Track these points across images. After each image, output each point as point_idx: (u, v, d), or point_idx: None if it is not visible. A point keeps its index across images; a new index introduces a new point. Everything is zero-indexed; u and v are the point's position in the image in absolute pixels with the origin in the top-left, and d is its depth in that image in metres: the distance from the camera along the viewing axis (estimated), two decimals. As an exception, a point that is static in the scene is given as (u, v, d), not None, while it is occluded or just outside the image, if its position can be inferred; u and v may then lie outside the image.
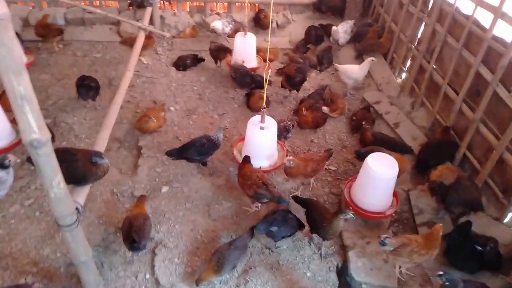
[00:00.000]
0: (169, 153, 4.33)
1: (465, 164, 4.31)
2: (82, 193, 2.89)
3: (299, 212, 3.83)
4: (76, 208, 2.68)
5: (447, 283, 2.81)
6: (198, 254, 3.66)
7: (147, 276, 3.51)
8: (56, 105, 5.33)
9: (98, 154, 2.94)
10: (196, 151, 4.26)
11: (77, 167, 2.85)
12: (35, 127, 2.05)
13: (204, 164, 4.45)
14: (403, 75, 5.92)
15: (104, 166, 2.97)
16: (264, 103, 4.09)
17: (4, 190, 3.52)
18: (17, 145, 4.16)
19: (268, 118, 4.22)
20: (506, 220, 3.75)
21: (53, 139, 4.29)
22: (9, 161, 3.41)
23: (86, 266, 2.99)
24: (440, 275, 2.83)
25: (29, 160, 3.03)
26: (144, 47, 5.86)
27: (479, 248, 3.32)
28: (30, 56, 6.07)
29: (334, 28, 6.76)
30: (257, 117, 4.22)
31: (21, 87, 1.88)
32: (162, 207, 4.08)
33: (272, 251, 3.75)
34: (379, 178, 3.61)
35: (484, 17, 4.17)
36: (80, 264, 2.97)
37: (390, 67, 6.20)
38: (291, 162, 3.86)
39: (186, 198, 4.22)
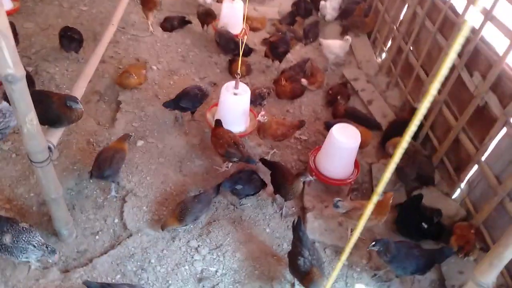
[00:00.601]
0: (166, 105, 4.50)
1: (426, 143, 4.57)
2: (56, 134, 3.03)
3: (266, 175, 4.06)
4: (49, 148, 2.83)
5: (381, 249, 3.12)
6: (166, 205, 3.88)
7: (116, 220, 3.73)
8: (39, 54, 5.35)
9: (72, 98, 3.07)
10: (190, 100, 4.47)
11: (52, 108, 2.98)
12: (10, 63, 2.17)
13: (193, 112, 4.69)
14: (383, 55, 6.08)
15: (78, 111, 3.10)
16: (239, 69, 4.23)
17: (14, 121, 3.66)
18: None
19: (242, 85, 4.36)
20: (454, 195, 4.05)
21: (33, 85, 4.40)
22: None
23: (57, 203, 3.17)
24: (373, 245, 3.16)
25: (6, 98, 3.16)
26: (150, 9, 5.87)
27: (425, 226, 3.61)
28: (16, 2, 6.02)
29: (322, 3, 6.83)
30: (232, 83, 4.36)
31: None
32: (136, 159, 4.25)
33: (236, 207, 3.99)
34: (342, 147, 3.83)
35: (459, 3, 4.32)
36: (51, 201, 3.15)
37: (372, 46, 6.35)
38: (265, 117, 4.06)
39: (160, 153, 4.40)
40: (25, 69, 2.34)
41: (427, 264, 3.24)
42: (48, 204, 3.24)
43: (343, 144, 3.82)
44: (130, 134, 4.15)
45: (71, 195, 3.83)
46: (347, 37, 5.70)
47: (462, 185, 3.93)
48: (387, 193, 3.55)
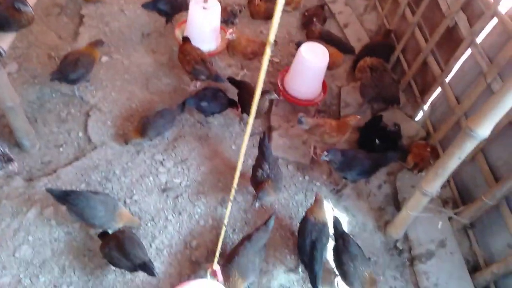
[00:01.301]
0: (145, 6, 4.36)
1: (397, 66, 4.57)
2: (6, 39, 2.87)
3: (234, 96, 4.02)
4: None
5: (332, 157, 3.28)
6: (131, 121, 3.86)
7: (80, 134, 3.71)
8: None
9: (21, 0, 2.86)
10: (169, 3, 4.35)
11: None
12: None
13: (168, 20, 4.57)
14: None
15: (28, 14, 2.90)
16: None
17: None
18: None
19: (211, 1, 4.14)
20: (417, 118, 4.15)
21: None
22: None
23: (14, 112, 3.11)
24: (326, 155, 3.29)
25: None
26: None
27: (378, 142, 3.73)
28: None
29: None
30: (202, -2, 4.14)
31: None
32: (100, 75, 4.14)
33: (203, 125, 4.01)
34: (309, 65, 3.79)
35: None
36: (8, 110, 3.08)
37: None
38: (233, 35, 3.94)
39: (126, 70, 4.28)
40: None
41: (372, 167, 3.39)
42: (5, 113, 3.18)
43: (310, 62, 3.77)
44: (103, 40, 3.96)
45: (32, 108, 3.76)
46: None
47: (425, 107, 4.01)
48: (349, 115, 3.62)
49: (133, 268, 2.72)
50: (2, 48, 2.81)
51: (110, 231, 2.95)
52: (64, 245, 3.05)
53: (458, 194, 3.50)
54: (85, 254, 3.03)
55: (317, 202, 3.13)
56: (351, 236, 3.42)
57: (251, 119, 1.57)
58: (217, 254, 2.02)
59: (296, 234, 3.22)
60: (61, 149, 3.58)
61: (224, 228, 1.90)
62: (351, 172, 3.34)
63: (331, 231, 3.16)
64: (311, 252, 2.92)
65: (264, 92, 3.64)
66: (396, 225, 3.34)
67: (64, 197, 2.90)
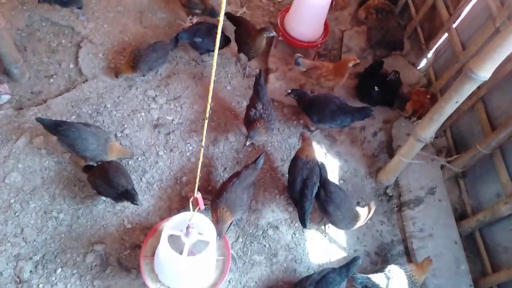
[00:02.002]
0: None
1: (405, 11, 4.34)
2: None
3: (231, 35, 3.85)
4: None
5: (295, 97, 3.31)
6: (124, 54, 3.73)
7: (71, 65, 3.61)
8: None
9: None
10: None
11: None
12: None
13: None
14: None
15: None
16: None
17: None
18: None
19: None
20: (420, 66, 4.01)
21: None
22: None
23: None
24: (289, 93, 3.29)
25: None
26: None
27: (377, 89, 3.62)
28: None
29: None
30: None
31: None
32: (92, 5, 3.95)
33: (198, 63, 3.88)
34: (310, 2, 3.59)
35: None
36: (-8, 33, 2.96)
37: None
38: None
39: (119, 1, 4.08)
40: None
41: (344, 118, 3.31)
42: (-10, 38, 3.07)
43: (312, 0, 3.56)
44: None
45: (21, 36, 3.63)
46: None
47: (429, 54, 3.86)
48: (348, 56, 3.48)
49: (118, 197, 2.74)
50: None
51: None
52: (54, 174, 3.06)
53: (453, 144, 3.45)
54: (76, 184, 3.05)
55: (306, 140, 3.11)
56: (342, 181, 3.45)
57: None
58: (197, 180, 2.02)
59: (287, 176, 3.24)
60: (51, 80, 3.50)
61: (201, 150, 1.87)
62: (314, 116, 3.28)
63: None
64: (302, 190, 2.93)
65: (262, 29, 3.48)
66: (387, 171, 3.33)
67: (55, 127, 2.86)
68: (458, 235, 3.08)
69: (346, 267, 2.67)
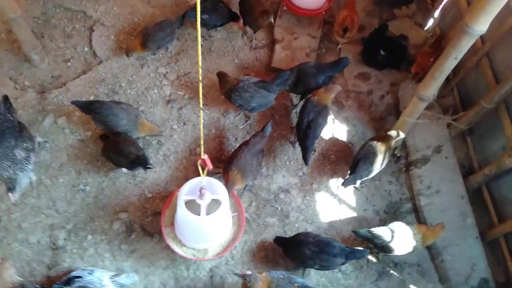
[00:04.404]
0: None
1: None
2: None
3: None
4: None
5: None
6: (134, 35, 3.87)
7: (86, 48, 3.80)
8: None
9: None
10: None
11: None
12: None
13: None
14: None
15: None
16: None
17: None
18: None
19: None
20: (427, 26, 3.98)
21: None
22: None
23: (17, 24, 3.20)
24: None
25: None
26: None
27: (383, 53, 3.66)
28: None
29: None
30: None
31: None
32: (101, -12, 4.09)
33: (206, 39, 3.99)
34: (312, -30, 3.61)
35: None
36: (12, 22, 3.17)
37: None
38: None
39: (127, -17, 4.19)
40: None
41: (325, 76, 3.41)
42: (11, 27, 3.27)
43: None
44: None
45: (38, 24, 3.82)
46: None
47: (436, 13, 3.82)
48: None
49: (131, 165, 2.99)
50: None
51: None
52: (78, 151, 3.31)
53: (460, 102, 3.47)
54: (98, 159, 3.29)
55: (329, 88, 3.30)
56: (351, 144, 3.56)
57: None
58: (201, 142, 2.21)
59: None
60: (68, 64, 3.71)
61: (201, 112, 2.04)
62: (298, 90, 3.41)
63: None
64: (306, 130, 3.16)
65: (262, 12, 3.55)
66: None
67: (89, 107, 3.12)
68: (464, 190, 3.16)
69: None
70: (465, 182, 3.20)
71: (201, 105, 1.92)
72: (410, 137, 3.40)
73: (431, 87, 2.82)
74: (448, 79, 3.21)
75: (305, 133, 3.19)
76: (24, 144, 2.78)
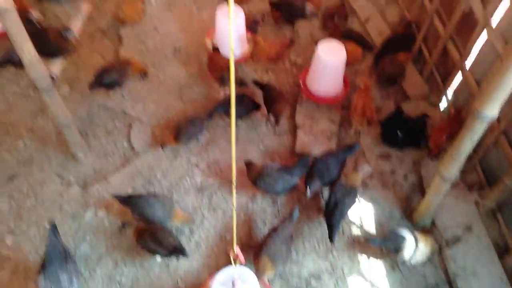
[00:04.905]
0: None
1: (420, 56, 4.59)
2: (57, 65, 3.37)
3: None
4: (51, 77, 3.18)
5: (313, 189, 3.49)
6: (169, 129, 4.24)
7: (125, 144, 4.17)
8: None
9: (67, 28, 3.35)
10: None
11: (50, 40, 3.29)
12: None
13: None
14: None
15: (72, 41, 3.39)
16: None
17: None
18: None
19: (235, 8, 4.45)
20: (442, 108, 4.17)
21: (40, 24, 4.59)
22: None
23: (68, 128, 3.61)
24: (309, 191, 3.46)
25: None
26: None
27: (400, 134, 3.86)
28: None
29: None
30: (226, 6, 4.46)
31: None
32: (139, 89, 4.59)
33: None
34: (326, 63, 3.97)
35: None
36: (63, 127, 3.59)
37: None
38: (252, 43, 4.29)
39: (161, 83, 4.70)
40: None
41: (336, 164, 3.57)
42: (62, 129, 3.69)
43: (327, 60, 3.95)
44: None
45: (83, 124, 4.27)
46: None
47: (448, 94, 4.03)
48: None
49: (168, 254, 3.14)
50: (54, 73, 3.30)
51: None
52: (116, 241, 3.49)
53: (484, 179, 3.49)
54: (133, 249, 3.44)
55: (358, 169, 3.55)
56: (379, 225, 3.58)
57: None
58: (234, 235, 2.33)
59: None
60: (109, 158, 4.05)
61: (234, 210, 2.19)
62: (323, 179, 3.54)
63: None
64: (333, 209, 3.28)
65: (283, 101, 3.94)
66: (421, 212, 3.42)
67: (128, 200, 3.40)
68: (503, 271, 3.05)
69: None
70: (501, 262, 3.11)
71: (234, 206, 2.07)
72: (439, 216, 3.40)
73: (452, 167, 2.90)
74: (469, 156, 3.28)
75: (332, 212, 3.31)
76: (68, 268, 2.97)
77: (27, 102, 4.43)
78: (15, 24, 2.63)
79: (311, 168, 3.54)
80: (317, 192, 3.65)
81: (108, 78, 4.02)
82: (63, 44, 3.35)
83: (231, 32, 1.49)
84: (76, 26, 3.82)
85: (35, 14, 4.07)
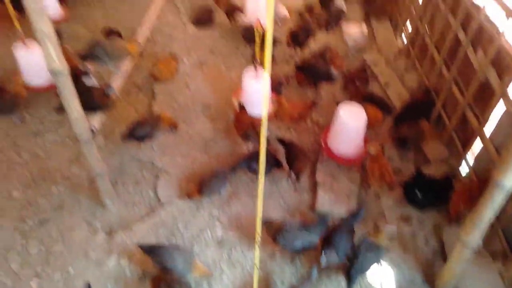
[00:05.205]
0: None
1: (439, 121, 4.72)
2: (97, 119, 3.67)
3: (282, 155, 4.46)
4: (92, 130, 3.46)
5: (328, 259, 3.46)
6: (193, 181, 4.41)
7: (151, 194, 4.35)
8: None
9: (108, 86, 3.69)
10: None
11: (93, 98, 3.62)
12: (55, 58, 2.78)
13: None
14: (403, 39, 6.18)
15: (112, 97, 3.71)
16: (258, 57, 4.65)
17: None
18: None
19: (261, 71, 4.78)
20: (462, 171, 4.21)
21: (87, 73, 4.98)
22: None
23: (101, 177, 3.83)
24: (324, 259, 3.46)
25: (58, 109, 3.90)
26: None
27: (420, 195, 3.93)
28: (66, 9, 6.86)
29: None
30: (253, 69, 4.80)
31: (44, 26, 2.58)
32: (168, 143, 4.85)
33: (254, 183, 4.45)
34: (347, 125, 4.14)
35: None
36: (97, 176, 3.81)
37: (394, 31, 6.46)
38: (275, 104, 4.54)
39: (189, 137, 4.96)
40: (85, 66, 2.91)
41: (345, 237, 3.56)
42: (95, 178, 3.92)
43: (348, 122, 4.13)
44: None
45: (114, 173, 4.51)
46: (365, 29, 5.89)
47: (469, 159, 4.08)
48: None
49: None
50: (94, 126, 3.59)
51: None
52: (136, 290, 3.55)
53: (508, 247, 3.43)
54: (152, 299, 3.48)
55: (382, 229, 3.56)
56: (399, 289, 3.52)
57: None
58: None
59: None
60: (135, 207, 4.22)
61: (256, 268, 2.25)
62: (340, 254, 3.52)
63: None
64: (352, 260, 3.31)
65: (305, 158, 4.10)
66: (443, 279, 3.35)
67: (151, 251, 3.51)
68: None
69: None
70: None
71: (257, 265, 2.15)
72: (462, 284, 3.32)
73: (474, 234, 2.90)
74: (492, 224, 3.27)
75: (351, 263, 3.35)
76: None
77: (64, 150, 4.74)
78: (66, 84, 2.95)
79: (328, 238, 3.55)
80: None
81: (141, 131, 4.31)
82: (105, 101, 3.69)
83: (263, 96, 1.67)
84: (116, 83, 4.19)
85: (89, 66, 4.48)
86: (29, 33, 3.50)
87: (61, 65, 2.80)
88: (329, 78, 5.43)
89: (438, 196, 3.90)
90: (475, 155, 4.05)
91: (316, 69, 5.45)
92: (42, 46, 2.68)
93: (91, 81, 3.69)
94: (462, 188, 3.76)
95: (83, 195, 4.27)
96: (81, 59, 4.39)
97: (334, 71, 5.41)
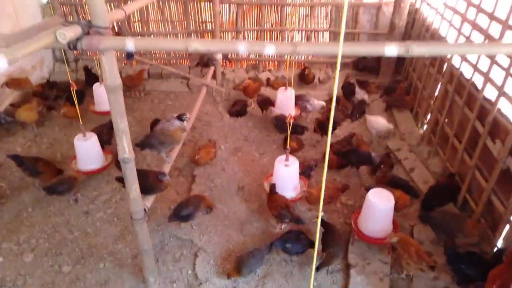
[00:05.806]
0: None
1: (466, 205, 4.89)
2: (149, 200, 4.11)
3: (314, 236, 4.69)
4: (144, 209, 3.88)
5: None
6: (229, 260, 4.65)
7: (189, 271, 4.57)
8: (134, 141, 6.86)
9: (162, 173, 4.19)
10: None
11: (149, 181, 4.10)
12: (126, 150, 3.33)
13: None
14: (424, 127, 6.63)
15: (165, 182, 4.20)
16: (288, 145, 5.15)
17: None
18: (107, 167, 5.70)
19: (291, 158, 5.24)
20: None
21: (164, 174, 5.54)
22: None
23: (147, 254, 4.14)
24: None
25: (117, 179, 4.43)
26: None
27: (463, 266, 4.00)
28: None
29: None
30: (283, 157, 5.27)
31: (122, 124, 3.18)
32: (206, 222, 5.19)
33: (287, 263, 4.62)
34: (376, 208, 4.39)
35: (479, 81, 4.93)
36: (144, 252, 4.13)
37: (414, 119, 6.96)
38: (306, 193, 4.86)
39: (225, 217, 5.30)
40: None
41: None
42: (141, 254, 4.22)
43: (377, 206, 4.38)
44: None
45: (155, 250, 4.80)
46: (391, 125, 6.46)
47: (499, 244, 4.17)
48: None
49: None
50: (147, 206, 4.01)
51: None
52: None
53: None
54: None
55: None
56: None
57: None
58: None
59: None
60: (174, 285, 4.42)
61: None
62: None
63: None
64: None
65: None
66: None
67: None
68: None
69: None
70: None
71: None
72: None
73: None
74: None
75: None
76: None
77: (111, 227, 5.15)
78: (132, 171, 3.46)
79: None
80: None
81: (185, 211, 4.68)
82: (158, 185, 4.16)
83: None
84: (165, 169, 4.71)
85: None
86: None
87: (130, 155, 3.34)
88: (370, 162, 5.79)
89: (480, 269, 3.94)
90: (504, 238, 4.14)
91: (358, 153, 5.86)
92: (117, 140, 3.25)
93: (165, 178, 4.26)
94: (494, 271, 3.80)
95: (127, 271, 4.54)
96: (138, 147, 5.01)
97: (375, 155, 5.78)
